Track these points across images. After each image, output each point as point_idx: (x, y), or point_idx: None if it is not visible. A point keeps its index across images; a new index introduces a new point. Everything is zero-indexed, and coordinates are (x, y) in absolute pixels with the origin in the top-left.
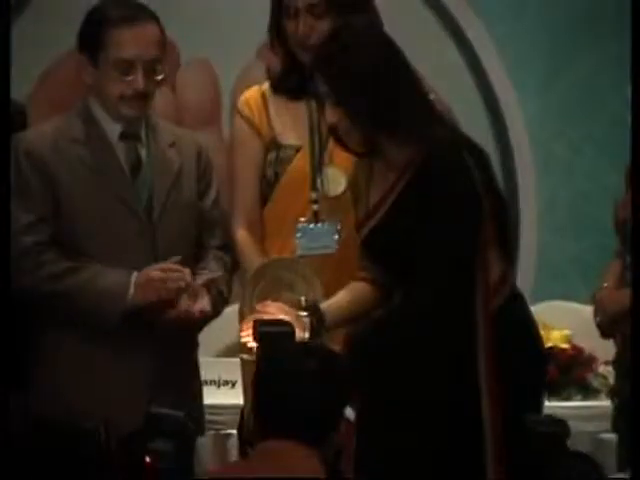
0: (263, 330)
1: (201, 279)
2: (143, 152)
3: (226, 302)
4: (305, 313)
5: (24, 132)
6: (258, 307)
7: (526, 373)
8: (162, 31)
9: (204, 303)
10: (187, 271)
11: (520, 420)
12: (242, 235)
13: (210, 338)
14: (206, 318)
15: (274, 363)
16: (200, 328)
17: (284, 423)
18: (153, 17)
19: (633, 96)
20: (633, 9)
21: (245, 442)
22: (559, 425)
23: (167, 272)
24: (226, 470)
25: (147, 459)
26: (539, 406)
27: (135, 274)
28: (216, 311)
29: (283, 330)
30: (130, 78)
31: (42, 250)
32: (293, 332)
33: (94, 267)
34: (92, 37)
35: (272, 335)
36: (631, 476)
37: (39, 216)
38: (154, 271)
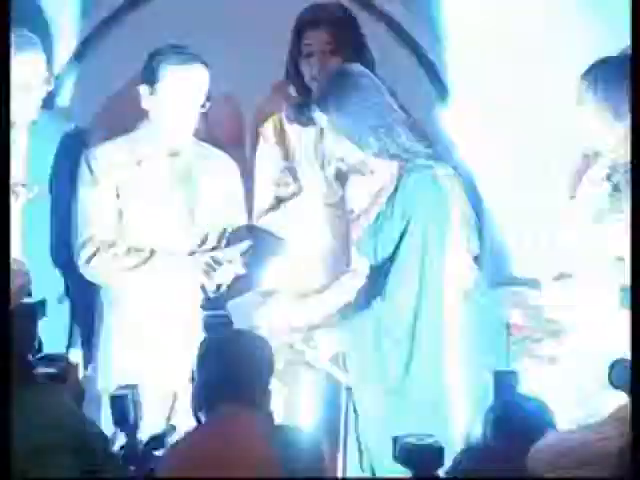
0: (207, 319)
1: (235, 249)
2: (188, 165)
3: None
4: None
5: (96, 146)
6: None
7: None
8: (207, 76)
9: (238, 266)
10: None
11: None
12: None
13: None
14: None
15: (214, 345)
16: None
17: (223, 391)
18: (202, 62)
19: (633, 97)
20: (633, 9)
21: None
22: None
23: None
24: (191, 440)
25: None
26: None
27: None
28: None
29: (222, 320)
30: (177, 103)
31: (114, 243)
32: (230, 321)
33: (157, 255)
34: (152, 72)
35: (213, 323)
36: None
37: (111, 215)
38: (209, 258)
